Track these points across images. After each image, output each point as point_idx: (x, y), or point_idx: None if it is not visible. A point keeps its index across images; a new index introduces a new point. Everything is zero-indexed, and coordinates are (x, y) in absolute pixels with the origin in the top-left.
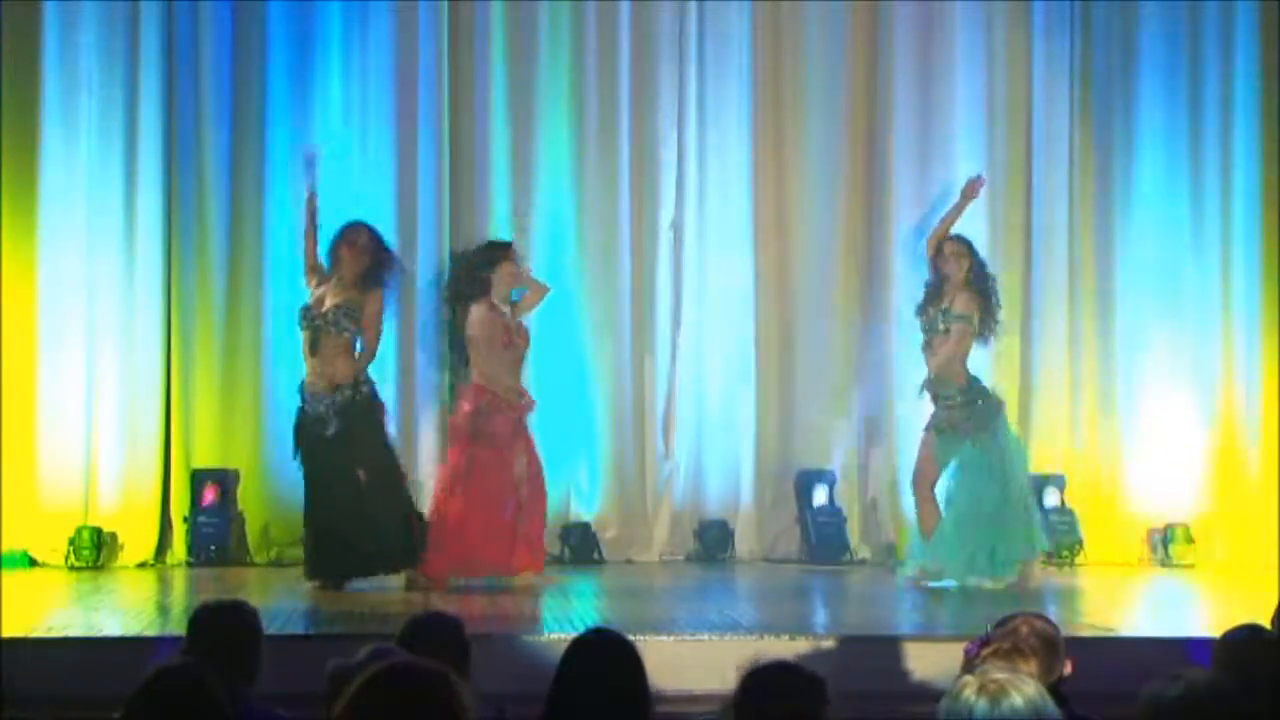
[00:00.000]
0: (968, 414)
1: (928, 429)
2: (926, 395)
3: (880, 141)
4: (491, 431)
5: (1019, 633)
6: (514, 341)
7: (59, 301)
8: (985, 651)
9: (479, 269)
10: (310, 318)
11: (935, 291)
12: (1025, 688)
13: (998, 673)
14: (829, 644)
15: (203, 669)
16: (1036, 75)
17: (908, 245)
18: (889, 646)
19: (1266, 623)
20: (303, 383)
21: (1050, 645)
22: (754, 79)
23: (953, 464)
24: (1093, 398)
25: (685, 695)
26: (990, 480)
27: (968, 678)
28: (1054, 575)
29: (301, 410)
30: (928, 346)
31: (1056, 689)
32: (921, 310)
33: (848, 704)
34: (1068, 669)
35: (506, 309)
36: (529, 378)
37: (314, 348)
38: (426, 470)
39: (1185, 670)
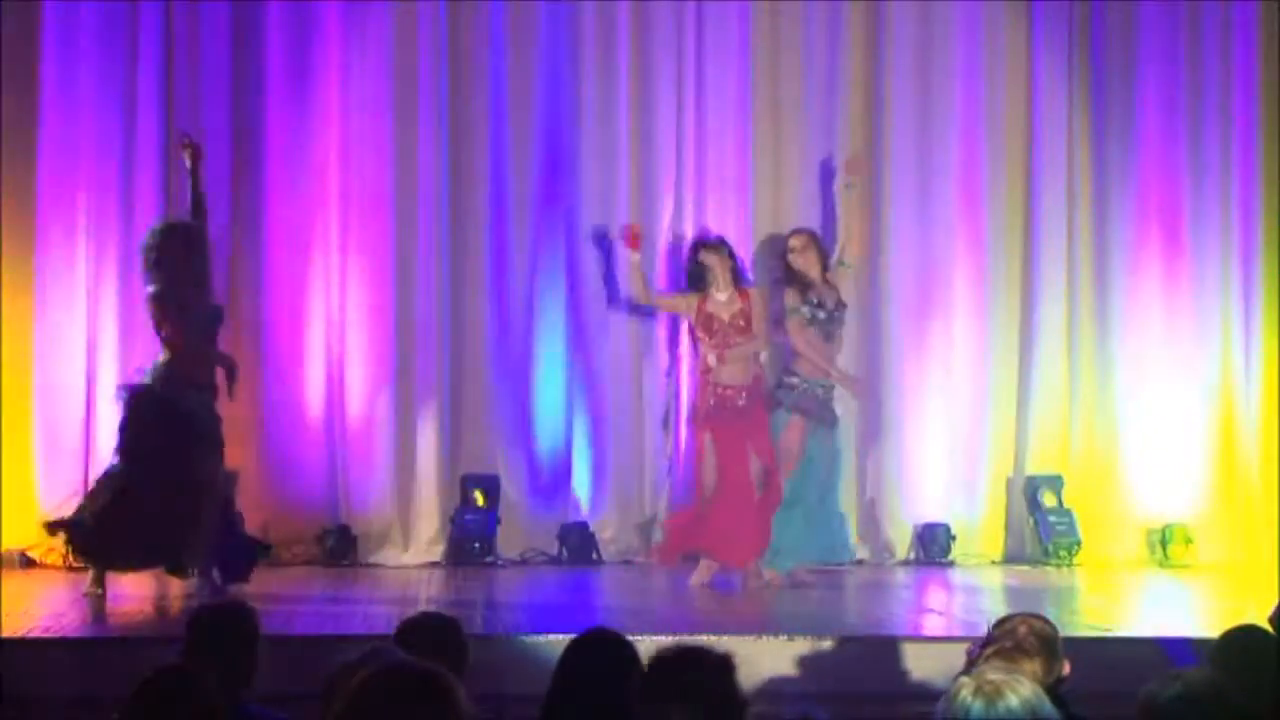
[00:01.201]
0: (830, 404)
1: (799, 411)
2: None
3: (879, 142)
4: (705, 419)
5: (1017, 633)
6: (715, 332)
7: (58, 302)
8: (987, 651)
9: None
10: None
11: (805, 286)
12: (1021, 689)
13: (994, 673)
14: (828, 644)
15: (199, 670)
16: (1035, 74)
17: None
18: (888, 647)
19: (1263, 623)
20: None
21: (1049, 646)
22: (752, 79)
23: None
24: (1091, 398)
25: None
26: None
27: (964, 679)
28: (1052, 575)
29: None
30: (830, 338)
31: (1054, 690)
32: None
33: (847, 704)
34: (1065, 669)
35: (722, 296)
36: (530, 377)
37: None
38: (426, 467)
39: (1183, 670)
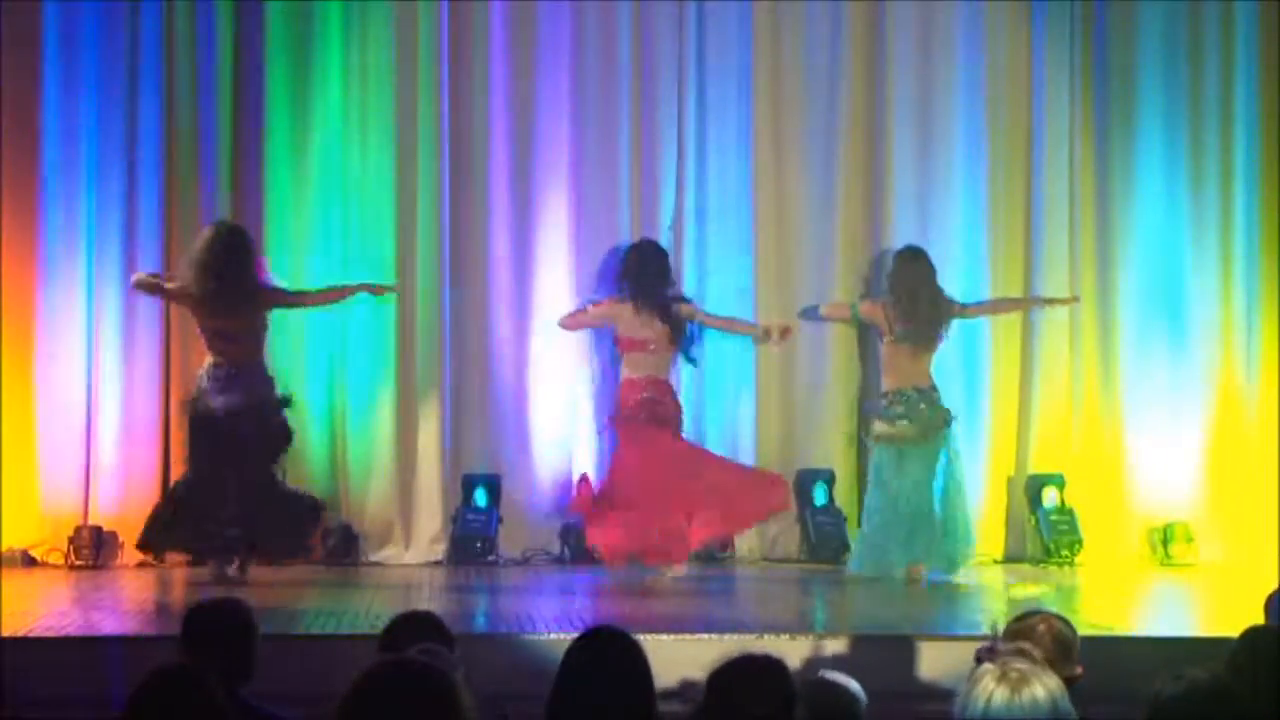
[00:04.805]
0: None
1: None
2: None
3: (880, 142)
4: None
5: (1035, 630)
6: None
7: (59, 300)
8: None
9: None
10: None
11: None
12: (1047, 680)
13: (1020, 663)
14: (829, 643)
15: (202, 668)
16: (1036, 74)
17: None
18: (889, 645)
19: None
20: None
21: (1064, 647)
22: (754, 78)
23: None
24: (1092, 397)
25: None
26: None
27: (987, 665)
28: (1053, 574)
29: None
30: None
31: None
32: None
33: None
34: (1078, 671)
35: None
36: (532, 376)
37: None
38: (428, 466)
39: (1187, 669)
